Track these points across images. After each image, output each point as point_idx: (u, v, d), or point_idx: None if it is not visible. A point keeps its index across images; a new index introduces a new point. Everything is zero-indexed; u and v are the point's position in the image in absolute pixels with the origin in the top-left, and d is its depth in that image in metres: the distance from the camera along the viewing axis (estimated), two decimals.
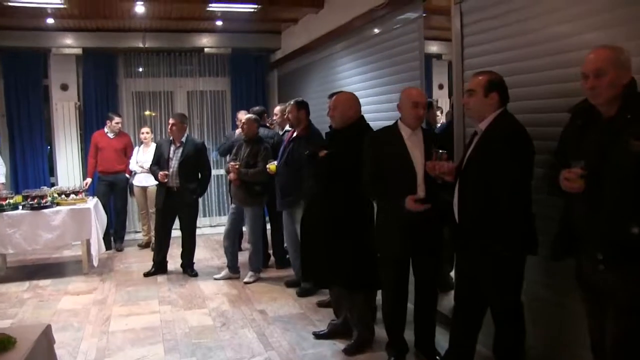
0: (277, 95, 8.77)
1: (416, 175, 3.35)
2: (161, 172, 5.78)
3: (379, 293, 3.91)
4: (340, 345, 3.99)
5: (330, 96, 4.31)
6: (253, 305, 4.98)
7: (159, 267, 6.06)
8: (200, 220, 8.62)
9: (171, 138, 5.96)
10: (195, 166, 5.94)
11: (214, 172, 8.71)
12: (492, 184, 2.75)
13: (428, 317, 3.65)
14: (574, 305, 2.75)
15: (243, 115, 6.14)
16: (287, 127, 5.79)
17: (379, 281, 3.72)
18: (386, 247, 3.53)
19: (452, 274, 3.97)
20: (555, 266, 2.87)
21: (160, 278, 5.91)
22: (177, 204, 5.87)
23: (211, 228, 8.61)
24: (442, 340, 3.67)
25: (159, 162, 5.96)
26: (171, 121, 5.91)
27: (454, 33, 3.87)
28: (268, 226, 6.17)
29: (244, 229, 5.93)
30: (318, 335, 4.17)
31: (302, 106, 5.07)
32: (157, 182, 6.00)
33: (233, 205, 5.78)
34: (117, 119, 7.26)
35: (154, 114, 8.51)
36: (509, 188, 2.72)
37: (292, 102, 5.16)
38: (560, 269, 2.84)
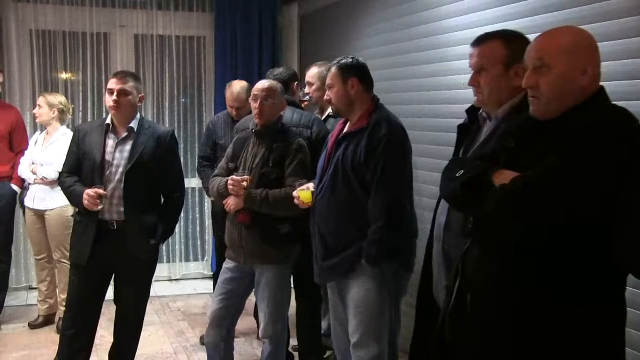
0: (297, 50, 5.38)
1: None
2: (90, 190, 2.81)
3: None
4: None
5: (476, 43, 1.96)
6: None
7: None
8: None
9: (108, 121, 3.00)
10: (156, 179, 3.02)
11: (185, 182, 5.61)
12: None
13: None
14: None
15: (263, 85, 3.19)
16: (330, 111, 3.26)
17: None
18: None
19: None
20: None
21: None
22: (117, 257, 2.94)
23: (171, 285, 5.19)
24: None
25: (79, 170, 2.99)
26: (116, 85, 2.91)
27: None
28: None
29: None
30: None
31: (352, 71, 2.63)
32: (76, 210, 3.05)
33: (230, 264, 2.88)
34: None
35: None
36: None
37: (332, 65, 2.77)
38: None
